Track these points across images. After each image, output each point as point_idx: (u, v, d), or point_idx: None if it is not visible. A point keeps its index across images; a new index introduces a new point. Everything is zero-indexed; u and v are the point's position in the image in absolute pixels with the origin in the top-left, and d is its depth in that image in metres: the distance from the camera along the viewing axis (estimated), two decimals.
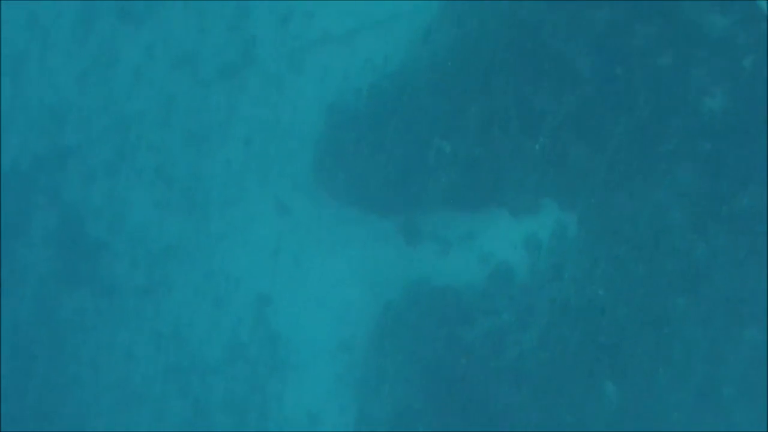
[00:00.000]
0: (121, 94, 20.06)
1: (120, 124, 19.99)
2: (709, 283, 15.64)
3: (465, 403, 16.90)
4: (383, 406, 17.63)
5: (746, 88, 15.60)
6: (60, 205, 20.39)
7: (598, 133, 16.29)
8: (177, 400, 19.36)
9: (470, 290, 17.16)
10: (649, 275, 15.92)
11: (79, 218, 20.21)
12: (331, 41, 18.48)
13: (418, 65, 17.60)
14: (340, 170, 18.12)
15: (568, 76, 16.49)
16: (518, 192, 16.91)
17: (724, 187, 15.59)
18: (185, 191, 19.52)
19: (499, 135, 16.83)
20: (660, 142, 15.95)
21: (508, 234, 17.06)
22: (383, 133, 17.66)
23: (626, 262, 16.04)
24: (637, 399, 15.89)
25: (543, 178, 16.70)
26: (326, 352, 18.42)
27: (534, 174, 16.75)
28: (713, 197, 15.62)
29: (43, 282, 20.44)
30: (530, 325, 16.62)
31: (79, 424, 19.99)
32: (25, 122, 20.77)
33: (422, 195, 17.46)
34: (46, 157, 20.57)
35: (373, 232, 18.03)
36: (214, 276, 19.31)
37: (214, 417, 19.09)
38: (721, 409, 15.58)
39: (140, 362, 19.67)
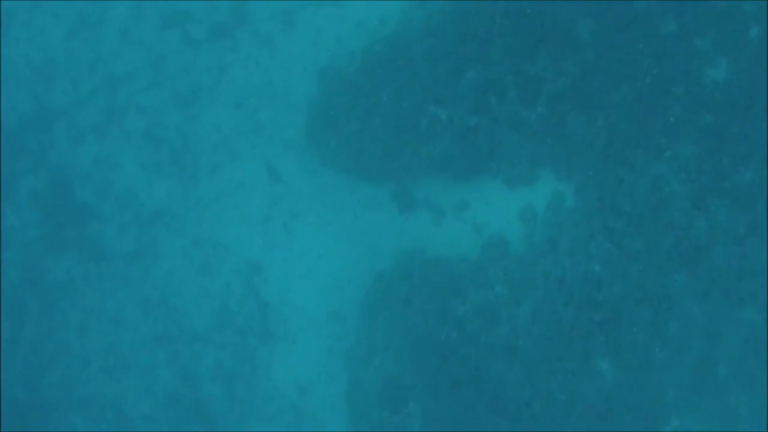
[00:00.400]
0: (109, 54, 19.52)
1: (108, 85, 19.48)
2: (708, 260, 15.38)
3: (456, 379, 16.56)
4: (373, 379, 17.29)
5: (751, 60, 15.31)
6: (47, 167, 19.91)
7: (598, 103, 15.93)
8: (165, 369, 19.04)
9: (463, 262, 16.81)
10: (647, 250, 15.62)
11: (66, 181, 19.75)
12: (325, 2, 17.93)
13: (412, 29, 17.05)
14: (332, 136, 17.62)
15: (567, 43, 16.05)
16: (514, 161, 16.54)
17: (726, 162, 15.30)
18: (174, 154, 19.07)
19: (495, 102, 16.40)
20: (661, 114, 15.59)
21: (503, 204, 16.70)
22: (377, 98, 17.15)
23: (623, 236, 15.73)
24: (631, 377, 15.60)
25: (540, 147, 16.35)
26: (316, 323, 18.08)
27: (531, 143, 16.37)
28: (714, 171, 15.34)
29: (31, 246, 20.02)
30: (524, 299, 16.28)
31: (66, 391, 19.73)
32: (11, 83, 20.22)
33: (416, 163, 17.01)
34: (33, 119, 20.07)
35: (365, 200, 17.64)
36: (202, 242, 18.91)
37: (202, 386, 18.80)
38: (717, 389, 15.30)
39: (128, 329, 19.32)
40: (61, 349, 19.79)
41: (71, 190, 19.69)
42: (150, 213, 19.24)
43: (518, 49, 16.24)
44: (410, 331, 16.95)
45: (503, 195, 16.64)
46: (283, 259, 18.33)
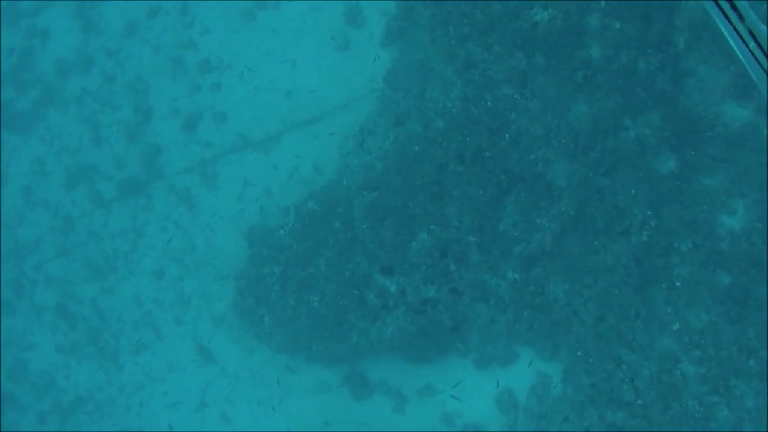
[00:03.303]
0: (12, 218, 16.25)
1: (13, 255, 16.16)
2: None
3: None
4: None
5: None
6: None
7: (583, 266, 11.99)
8: None
9: None
10: None
11: None
12: (249, 148, 14.06)
13: (351, 180, 12.98)
14: (266, 313, 13.62)
15: (540, 192, 12.08)
16: (485, 338, 12.71)
17: (751, 333, 11.32)
18: (91, 334, 15.77)
19: (455, 269, 12.46)
20: (664, 277, 11.64)
21: (476, 389, 12.94)
22: (313, 268, 13.14)
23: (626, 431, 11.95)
24: None
25: (516, 321, 12.51)
26: None
27: (504, 317, 12.45)
28: (737, 346, 11.38)
29: None
30: None
31: None
32: None
33: (365, 344, 12.97)
34: None
35: (313, 384, 13.81)
36: None
37: None
38: None
39: None
40: None
41: None
42: (71, 400, 15.90)
43: (479, 202, 12.18)
44: None
45: (475, 378, 12.77)
46: None
